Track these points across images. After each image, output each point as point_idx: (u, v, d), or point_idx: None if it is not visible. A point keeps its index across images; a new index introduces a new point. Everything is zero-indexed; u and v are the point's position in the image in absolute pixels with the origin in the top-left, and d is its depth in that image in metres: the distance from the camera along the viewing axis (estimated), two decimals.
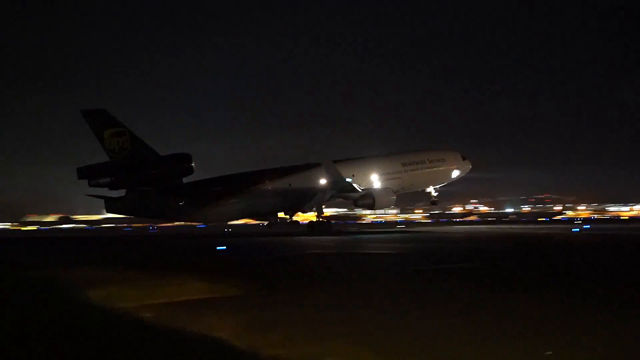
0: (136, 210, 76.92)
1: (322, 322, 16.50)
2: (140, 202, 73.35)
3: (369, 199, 79.32)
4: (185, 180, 75.77)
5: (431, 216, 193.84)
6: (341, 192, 79.27)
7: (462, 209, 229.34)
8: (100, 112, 71.74)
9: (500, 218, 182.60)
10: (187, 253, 47.33)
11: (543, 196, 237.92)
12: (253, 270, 31.50)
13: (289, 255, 40.58)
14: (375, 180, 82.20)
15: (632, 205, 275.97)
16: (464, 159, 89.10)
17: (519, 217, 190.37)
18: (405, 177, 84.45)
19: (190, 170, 73.37)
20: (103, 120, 71.53)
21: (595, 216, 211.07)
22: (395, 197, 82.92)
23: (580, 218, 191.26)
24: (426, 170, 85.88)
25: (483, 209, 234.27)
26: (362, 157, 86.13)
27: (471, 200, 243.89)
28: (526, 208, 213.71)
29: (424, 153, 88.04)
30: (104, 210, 78.71)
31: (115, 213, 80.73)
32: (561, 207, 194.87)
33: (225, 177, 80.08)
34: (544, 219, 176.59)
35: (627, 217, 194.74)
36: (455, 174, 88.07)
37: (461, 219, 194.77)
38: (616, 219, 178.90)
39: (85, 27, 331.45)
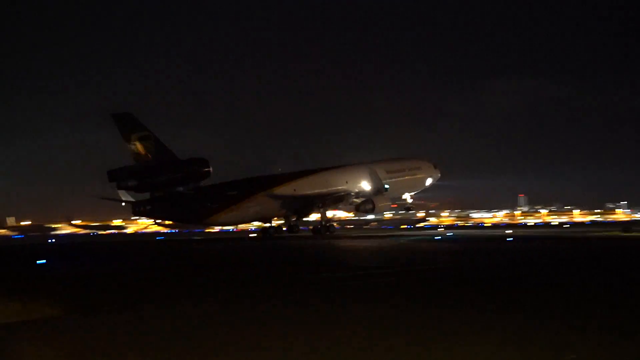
0: (165, 213, 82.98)
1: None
2: (168, 205, 79.18)
3: (370, 205, 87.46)
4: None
5: None
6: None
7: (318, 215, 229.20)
8: (127, 116, 75.93)
9: (361, 225, 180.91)
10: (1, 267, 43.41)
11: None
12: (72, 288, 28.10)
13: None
14: (366, 187, 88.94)
15: (495, 212, 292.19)
16: (435, 167, 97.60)
17: (380, 224, 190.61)
18: (389, 184, 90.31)
19: (207, 174, 78.08)
20: (130, 124, 75.68)
21: (459, 223, 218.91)
22: (390, 202, 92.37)
23: (442, 225, 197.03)
24: (406, 177, 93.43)
25: (342, 215, 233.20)
26: (354, 164, 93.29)
27: None
28: (388, 214, 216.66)
29: (403, 161, 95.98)
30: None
31: (142, 216, 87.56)
32: (424, 214, 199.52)
33: (237, 181, 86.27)
34: (407, 227, 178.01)
35: (489, 224, 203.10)
36: (429, 181, 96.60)
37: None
38: (480, 226, 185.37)
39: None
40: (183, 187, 78.18)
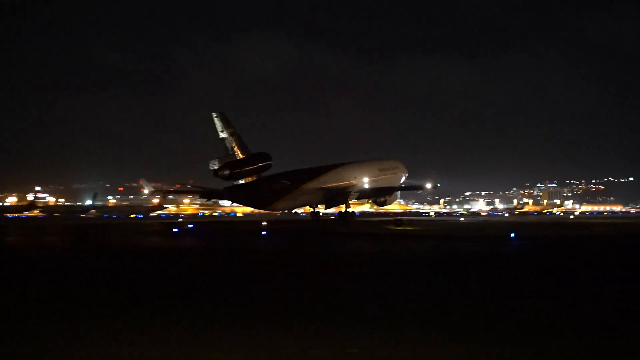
0: (242, 199, 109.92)
1: None
2: (244, 192, 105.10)
3: (383, 198, 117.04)
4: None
5: None
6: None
7: (16, 200, 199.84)
8: (223, 115, 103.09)
9: (78, 213, 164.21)
10: None
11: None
12: None
13: None
14: (367, 182, 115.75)
15: None
16: (404, 166, 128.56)
17: (102, 213, 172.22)
18: (380, 181, 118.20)
19: (269, 167, 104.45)
20: (224, 122, 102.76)
21: (204, 212, 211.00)
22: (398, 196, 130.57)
23: (182, 214, 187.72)
24: (389, 175, 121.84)
25: (50, 199, 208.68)
26: (357, 161, 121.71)
27: (36, 188, 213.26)
28: (112, 200, 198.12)
29: (386, 161, 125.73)
30: None
31: (230, 200, 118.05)
32: (159, 200, 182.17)
33: (288, 172, 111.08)
34: (137, 216, 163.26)
35: (241, 214, 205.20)
36: (403, 179, 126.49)
37: (19, 214, 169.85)
38: (231, 216, 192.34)
39: None
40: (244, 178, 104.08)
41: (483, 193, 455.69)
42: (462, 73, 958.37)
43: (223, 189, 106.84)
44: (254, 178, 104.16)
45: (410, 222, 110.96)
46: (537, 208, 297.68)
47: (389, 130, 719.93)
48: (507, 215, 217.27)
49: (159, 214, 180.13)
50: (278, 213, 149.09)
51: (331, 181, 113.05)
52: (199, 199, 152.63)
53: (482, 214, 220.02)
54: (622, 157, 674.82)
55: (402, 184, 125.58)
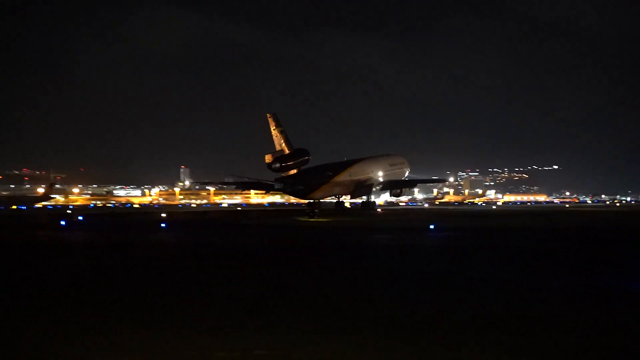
0: (289, 189, 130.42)
1: None
2: (291, 183, 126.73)
3: (398, 189, 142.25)
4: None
5: None
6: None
7: None
8: (275, 115, 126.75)
9: None
10: None
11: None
12: None
13: None
14: (381, 175, 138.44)
15: (148, 189, 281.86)
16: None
17: None
18: (391, 175, 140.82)
19: (307, 162, 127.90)
20: (276, 120, 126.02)
21: (97, 203, 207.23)
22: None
23: (72, 205, 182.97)
24: (397, 170, 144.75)
25: None
26: (373, 157, 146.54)
27: None
28: None
29: (396, 157, 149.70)
30: None
31: (280, 191, 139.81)
32: (44, 190, 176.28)
33: (319, 166, 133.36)
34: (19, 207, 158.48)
35: (138, 205, 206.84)
36: (407, 173, 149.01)
37: None
38: (127, 207, 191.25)
39: None
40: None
41: None
42: (376, 51, 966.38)
43: (274, 180, 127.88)
44: (295, 171, 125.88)
45: (327, 214, 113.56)
46: (458, 198, 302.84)
47: (297, 108, 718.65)
48: (426, 205, 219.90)
49: (44, 205, 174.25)
50: (180, 204, 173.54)
51: (356, 174, 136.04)
52: (236, 190, 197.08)
53: (401, 204, 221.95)
54: (546, 144, 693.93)
55: (407, 177, 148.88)
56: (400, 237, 58.43)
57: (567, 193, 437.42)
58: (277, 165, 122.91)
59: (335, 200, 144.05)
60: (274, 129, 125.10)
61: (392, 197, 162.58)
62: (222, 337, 17.82)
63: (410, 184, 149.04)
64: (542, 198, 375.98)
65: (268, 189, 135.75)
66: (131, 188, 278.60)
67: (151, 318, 20.45)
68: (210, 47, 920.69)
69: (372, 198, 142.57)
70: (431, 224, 70.94)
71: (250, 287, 26.77)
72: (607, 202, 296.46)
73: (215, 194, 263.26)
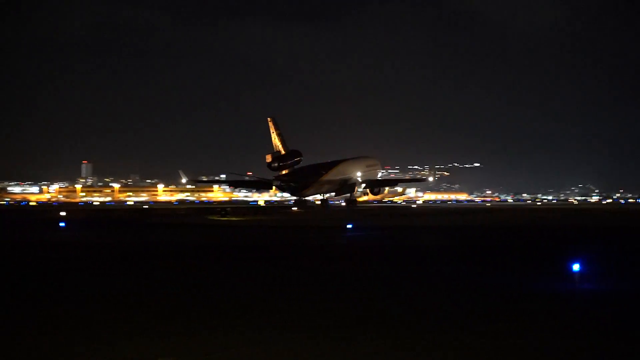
0: (284, 187, 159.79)
1: None
2: (287, 182, 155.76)
3: (378, 188, 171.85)
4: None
5: None
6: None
7: None
8: (275, 119, 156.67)
9: None
10: None
11: None
12: None
13: None
14: (360, 175, 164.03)
15: (47, 185, 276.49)
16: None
17: None
18: (368, 174, 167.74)
19: (299, 162, 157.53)
20: (275, 124, 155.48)
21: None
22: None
23: None
24: (373, 170, 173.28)
25: None
26: (354, 158, 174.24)
27: None
28: None
29: (370, 159, 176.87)
30: None
31: (279, 189, 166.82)
32: None
33: (311, 166, 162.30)
34: None
35: (35, 202, 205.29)
36: (379, 174, 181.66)
37: None
38: (23, 204, 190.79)
39: None
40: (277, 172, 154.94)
41: None
42: (288, 37, 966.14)
43: (273, 178, 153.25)
44: (287, 171, 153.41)
45: (240, 212, 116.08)
46: (377, 197, 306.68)
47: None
48: (343, 204, 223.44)
49: None
50: (82, 202, 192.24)
51: (339, 174, 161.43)
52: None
53: (317, 202, 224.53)
54: (467, 140, 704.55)
55: (382, 176, 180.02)
56: (310, 236, 60.23)
57: (489, 192, 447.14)
58: (275, 164, 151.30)
59: (321, 198, 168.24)
60: (272, 132, 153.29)
61: (372, 195, 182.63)
62: None
63: (391, 182, 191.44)
64: (463, 197, 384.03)
65: (267, 187, 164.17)
66: (28, 184, 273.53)
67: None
68: (119, 32, 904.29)
69: (355, 196, 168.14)
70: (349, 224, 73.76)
71: None
72: (528, 201, 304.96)
73: (120, 192, 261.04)
